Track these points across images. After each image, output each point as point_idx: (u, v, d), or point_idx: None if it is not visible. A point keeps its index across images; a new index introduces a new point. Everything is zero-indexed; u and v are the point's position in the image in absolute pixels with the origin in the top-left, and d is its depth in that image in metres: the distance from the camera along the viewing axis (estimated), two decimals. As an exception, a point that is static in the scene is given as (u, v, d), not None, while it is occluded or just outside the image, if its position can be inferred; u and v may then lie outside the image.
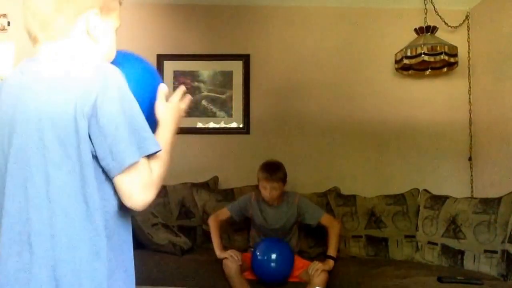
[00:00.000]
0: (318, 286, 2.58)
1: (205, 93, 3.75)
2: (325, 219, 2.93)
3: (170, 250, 2.96)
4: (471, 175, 3.63)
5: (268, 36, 3.77)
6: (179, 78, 3.75)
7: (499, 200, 2.71)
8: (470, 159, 3.62)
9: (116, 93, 1.00)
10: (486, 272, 2.60)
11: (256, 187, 3.04)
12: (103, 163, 1.01)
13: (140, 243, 2.94)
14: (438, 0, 3.40)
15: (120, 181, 1.02)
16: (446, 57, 3.15)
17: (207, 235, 3.36)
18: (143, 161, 1.03)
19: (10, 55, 3.46)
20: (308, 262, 2.83)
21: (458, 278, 2.46)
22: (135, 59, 1.23)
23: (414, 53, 3.17)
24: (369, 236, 3.21)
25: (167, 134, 1.17)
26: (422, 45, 3.15)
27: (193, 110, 3.71)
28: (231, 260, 2.68)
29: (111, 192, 1.04)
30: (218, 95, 3.75)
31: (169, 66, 3.74)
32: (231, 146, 3.72)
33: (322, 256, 2.87)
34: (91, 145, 1.00)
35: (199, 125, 3.73)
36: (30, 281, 0.98)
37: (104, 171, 1.02)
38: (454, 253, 2.81)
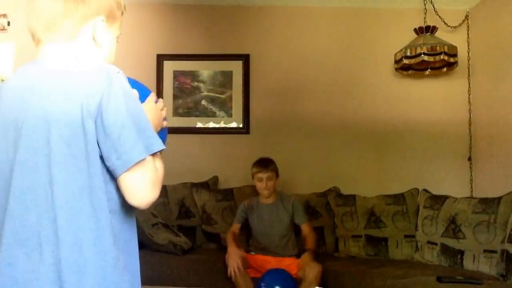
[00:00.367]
0: (315, 284, 2.60)
1: (205, 93, 3.75)
2: (306, 226, 3.01)
3: (170, 250, 2.97)
4: (471, 175, 3.64)
5: (268, 36, 3.77)
6: (179, 78, 3.75)
7: (498, 200, 2.71)
8: (469, 159, 3.63)
9: (121, 93, 1.01)
10: (485, 272, 2.60)
11: (254, 188, 3.07)
12: (108, 163, 1.00)
13: (140, 243, 2.92)
14: (437, 0, 3.40)
15: (127, 179, 1.01)
16: (446, 57, 3.15)
17: (207, 235, 3.37)
18: (150, 159, 1.03)
19: (10, 55, 3.46)
20: (299, 260, 2.87)
21: (458, 278, 2.47)
22: None
23: (413, 53, 3.17)
24: (369, 236, 3.22)
25: None
26: (422, 45, 3.15)
27: (193, 110, 3.71)
28: (233, 259, 2.71)
29: (116, 192, 1.04)
30: (218, 95, 3.75)
31: (169, 66, 3.74)
32: (231, 146, 3.72)
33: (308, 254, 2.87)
34: (98, 145, 1.00)
35: (199, 125, 3.73)
36: (37, 282, 0.98)
37: (108, 171, 1.02)
38: (453, 253, 2.81)
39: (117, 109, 0.99)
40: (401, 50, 3.27)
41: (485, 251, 2.66)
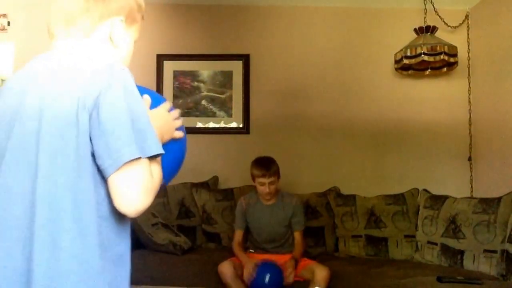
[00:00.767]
0: (319, 285, 2.59)
1: (205, 93, 3.75)
2: (299, 234, 2.96)
3: (170, 250, 2.96)
4: (471, 175, 3.64)
5: (268, 36, 3.77)
6: (179, 78, 3.75)
7: (498, 200, 2.71)
8: (469, 159, 3.63)
9: (121, 90, 0.97)
10: (485, 272, 2.61)
11: (254, 188, 3.04)
12: (99, 161, 0.95)
13: (140, 243, 2.95)
14: (437, 0, 3.40)
15: (115, 180, 0.94)
16: (446, 57, 3.15)
17: (207, 235, 3.37)
18: (144, 162, 0.96)
19: (10, 55, 3.46)
20: (309, 261, 2.84)
21: (458, 278, 2.47)
22: None
23: (414, 53, 3.17)
24: (369, 236, 3.22)
25: None
26: (422, 45, 3.15)
27: (193, 110, 3.71)
28: (227, 267, 2.69)
29: (108, 197, 0.97)
30: (218, 95, 3.75)
31: (169, 66, 3.74)
32: (231, 146, 3.72)
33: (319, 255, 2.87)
34: (90, 141, 0.95)
35: (199, 125, 3.73)
36: (4, 281, 0.93)
37: (101, 173, 0.96)
38: (453, 253, 2.81)
39: (115, 103, 0.95)
40: (401, 50, 3.27)
41: (485, 251, 2.66)
